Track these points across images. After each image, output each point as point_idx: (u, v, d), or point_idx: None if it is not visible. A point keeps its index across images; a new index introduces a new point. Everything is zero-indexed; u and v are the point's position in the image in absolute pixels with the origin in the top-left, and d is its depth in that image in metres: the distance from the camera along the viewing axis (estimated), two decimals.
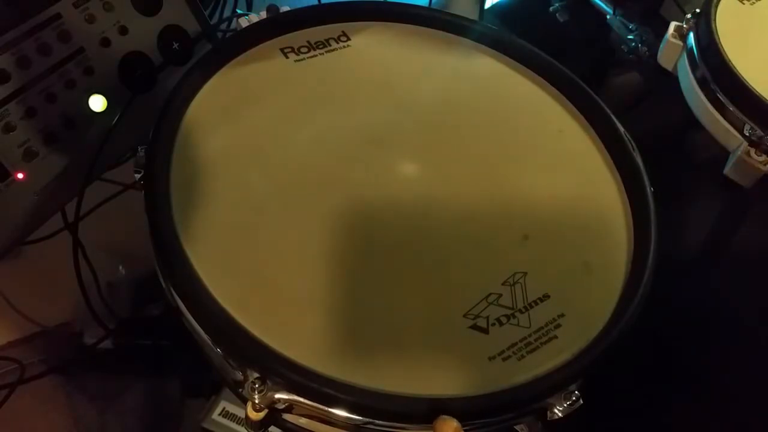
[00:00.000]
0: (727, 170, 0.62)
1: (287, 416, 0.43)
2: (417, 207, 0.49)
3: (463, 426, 0.42)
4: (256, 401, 0.39)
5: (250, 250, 0.45)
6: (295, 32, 0.59)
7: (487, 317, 0.44)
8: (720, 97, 0.62)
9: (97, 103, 0.57)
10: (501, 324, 0.44)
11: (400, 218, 0.49)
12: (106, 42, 0.57)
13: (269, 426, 0.42)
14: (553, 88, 0.60)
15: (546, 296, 0.46)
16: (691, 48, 0.66)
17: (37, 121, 0.54)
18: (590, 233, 0.51)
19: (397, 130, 0.54)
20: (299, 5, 0.61)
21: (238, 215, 0.46)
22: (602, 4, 0.90)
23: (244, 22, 0.60)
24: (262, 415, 0.40)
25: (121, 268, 0.87)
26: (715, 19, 0.65)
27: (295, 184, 0.49)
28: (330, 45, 0.59)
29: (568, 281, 0.47)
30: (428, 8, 0.66)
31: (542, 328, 0.45)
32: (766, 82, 0.60)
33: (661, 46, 0.71)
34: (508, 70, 0.61)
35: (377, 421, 0.40)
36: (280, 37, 0.58)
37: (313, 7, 0.63)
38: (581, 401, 0.42)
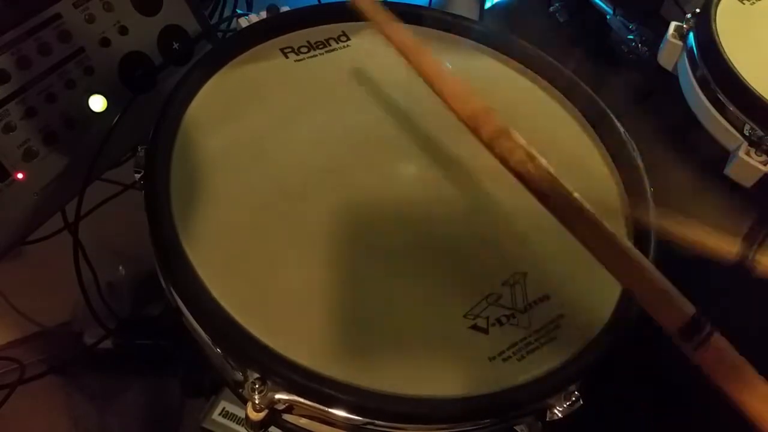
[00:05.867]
0: (727, 170, 0.62)
1: (287, 416, 0.43)
2: (417, 207, 0.49)
3: (463, 427, 0.42)
4: (257, 401, 0.39)
5: (250, 250, 0.45)
6: (295, 32, 0.59)
7: (487, 317, 0.44)
8: (720, 97, 0.62)
9: (97, 103, 0.57)
10: (501, 324, 0.44)
11: (400, 218, 0.49)
12: (106, 42, 0.57)
13: (269, 426, 0.42)
14: (553, 88, 0.60)
15: (546, 296, 0.46)
16: (691, 48, 0.66)
17: (37, 121, 0.54)
18: None
19: (397, 130, 0.54)
20: (299, 5, 0.61)
21: (238, 215, 0.46)
22: (602, 4, 0.89)
23: (244, 22, 0.60)
24: (262, 415, 0.40)
25: (121, 268, 0.87)
26: (715, 19, 0.65)
27: (295, 184, 0.49)
28: (330, 45, 0.59)
29: (568, 281, 0.47)
30: (428, 8, 0.66)
31: (542, 328, 0.45)
32: (766, 82, 0.60)
33: (661, 46, 0.71)
34: (508, 70, 0.61)
35: (377, 422, 0.40)
36: (280, 37, 0.58)
37: (313, 7, 0.63)
38: (581, 401, 0.42)
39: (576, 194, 0.37)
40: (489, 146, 0.40)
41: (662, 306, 0.34)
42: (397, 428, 0.41)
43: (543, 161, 0.38)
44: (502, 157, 0.39)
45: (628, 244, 0.37)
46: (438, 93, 0.44)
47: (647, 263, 0.36)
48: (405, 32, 0.47)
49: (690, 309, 0.33)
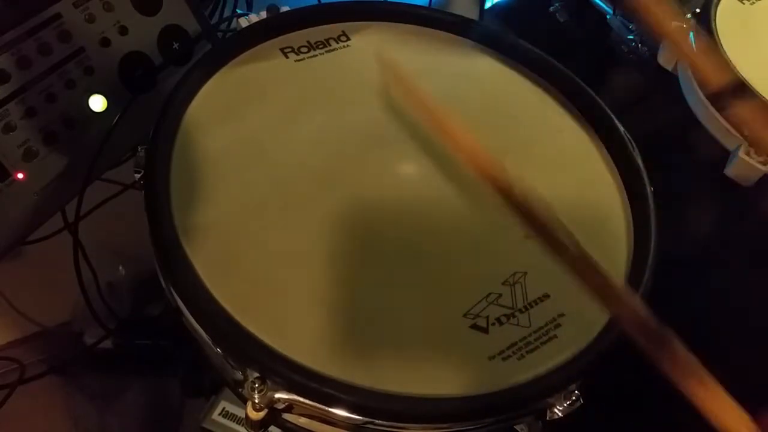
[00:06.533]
0: (727, 170, 0.62)
1: (287, 416, 0.43)
2: (417, 206, 0.49)
3: (463, 426, 0.42)
4: (256, 401, 0.39)
5: (250, 250, 0.45)
6: (295, 32, 0.59)
7: (487, 317, 0.44)
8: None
9: (97, 103, 0.57)
10: (501, 324, 0.44)
11: (400, 218, 0.49)
12: (106, 42, 0.57)
13: (269, 426, 0.42)
14: (553, 88, 0.60)
15: (546, 296, 0.46)
16: None
17: (37, 121, 0.54)
18: (590, 233, 0.51)
19: (396, 130, 0.54)
20: (299, 5, 0.62)
21: (238, 215, 0.47)
22: (602, 4, 0.90)
23: (244, 22, 0.60)
24: (262, 414, 0.40)
25: (121, 268, 0.87)
26: (715, 19, 0.65)
27: (295, 184, 0.49)
28: (330, 45, 0.59)
29: (568, 281, 0.47)
30: (428, 8, 0.66)
31: (542, 327, 0.45)
32: (766, 82, 0.60)
33: (661, 46, 0.71)
34: (508, 70, 0.61)
35: (377, 421, 0.40)
36: (280, 37, 0.58)
37: (313, 7, 0.63)
38: (581, 401, 0.42)
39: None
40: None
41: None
42: (396, 428, 0.41)
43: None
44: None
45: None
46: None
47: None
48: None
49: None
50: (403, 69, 0.50)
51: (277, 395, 0.39)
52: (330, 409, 0.39)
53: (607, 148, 0.56)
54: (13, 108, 0.52)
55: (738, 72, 0.61)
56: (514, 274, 0.47)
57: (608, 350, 0.44)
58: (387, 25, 0.62)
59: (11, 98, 0.52)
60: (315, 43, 0.59)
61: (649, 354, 0.35)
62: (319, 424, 0.42)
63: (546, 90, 0.60)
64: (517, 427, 0.43)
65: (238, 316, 0.41)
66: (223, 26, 0.71)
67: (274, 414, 0.41)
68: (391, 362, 0.41)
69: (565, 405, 0.41)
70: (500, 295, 0.45)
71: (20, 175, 0.53)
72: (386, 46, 0.61)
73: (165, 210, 0.45)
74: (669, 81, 0.70)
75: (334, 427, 0.41)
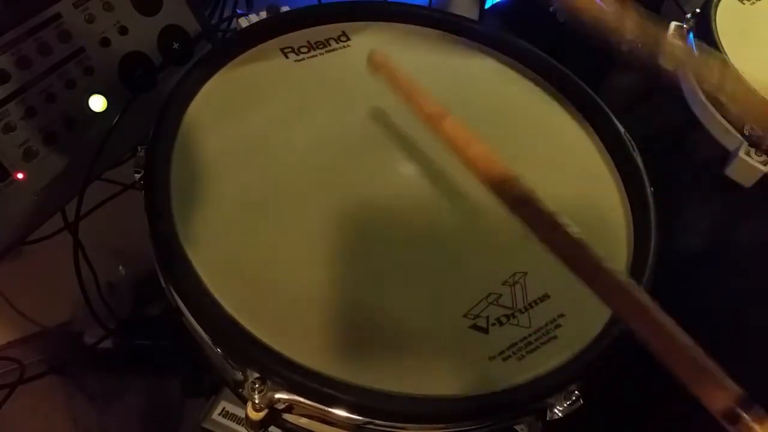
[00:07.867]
0: (728, 170, 0.62)
1: (287, 416, 0.43)
2: (417, 206, 0.49)
3: (463, 426, 0.42)
4: (256, 401, 0.39)
5: (250, 250, 0.45)
6: (295, 32, 0.59)
7: (487, 317, 0.44)
8: (720, 97, 0.62)
9: (97, 103, 0.57)
10: (501, 324, 0.44)
11: (400, 218, 0.49)
12: (106, 42, 0.57)
13: (269, 426, 0.42)
14: (553, 88, 0.60)
15: (546, 296, 0.46)
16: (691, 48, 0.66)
17: (37, 121, 0.54)
18: (590, 233, 0.50)
19: (396, 130, 0.54)
20: (299, 5, 0.62)
21: (238, 215, 0.47)
22: (602, 5, 0.89)
23: (244, 22, 0.60)
24: (262, 415, 0.40)
25: (121, 268, 0.87)
26: (715, 19, 0.65)
27: (295, 184, 0.49)
28: (330, 45, 0.59)
29: (568, 281, 0.47)
30: (428, 8, 0.66)
31: (542, 328, 0.45)
32: (766, 82, 0.60)
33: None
34: (508, 70, 0.61)
35: (377, 421, 0.40)
36: (280, 37, 0.58)
37: (313, 7, 0.63)
38: (581, 401, 0.42)
39: (605, 263, 0.37)
40: (513, 211, 0.40)
41: (706, 385, 0.31)
42: (397, 428, 0.41)
43: (568, 227, 0.38)
44: (529, 223, 0.40)
45: (665, 316, 0.35)
46: (460, 156, 0.44)
47: (688, 340, 0.33)
48: (425, 96, 0.48)
49: (735, 389, 0.31)
50: (399, 68, 0.49)
51: (278, 395, 0.39)
52: (330, 409, 0.39)
53: (607, 148, 0.56)
54: (13, 108, 0.52)
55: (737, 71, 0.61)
56: (514, 274, 0.47)
57: (608, 350, 0.44)
58: (387, 25, 0.62)
59: (11, 98, 0.52)
60: (315, 43, 0.59)
61: (656, 352, 0.31)
62: (319, 424, 0.42)
63: (546, 90, 0.60)
64: (517, 427, 0.43)
65: (238, 316, 0.41)
66: (223, 26, 0.71)
67: (274, 414, 0.41)
68: (391, 362, 0.41)
69: (565, 405, 0.41)
70: (500, 296, 0.45)
71: (20, 175, 0.53)
72: (386, 46, 0.60)
73: (165, 210, 0.45)
74: (669, 81, 0.70)
75: (335, 427, 0.41)
